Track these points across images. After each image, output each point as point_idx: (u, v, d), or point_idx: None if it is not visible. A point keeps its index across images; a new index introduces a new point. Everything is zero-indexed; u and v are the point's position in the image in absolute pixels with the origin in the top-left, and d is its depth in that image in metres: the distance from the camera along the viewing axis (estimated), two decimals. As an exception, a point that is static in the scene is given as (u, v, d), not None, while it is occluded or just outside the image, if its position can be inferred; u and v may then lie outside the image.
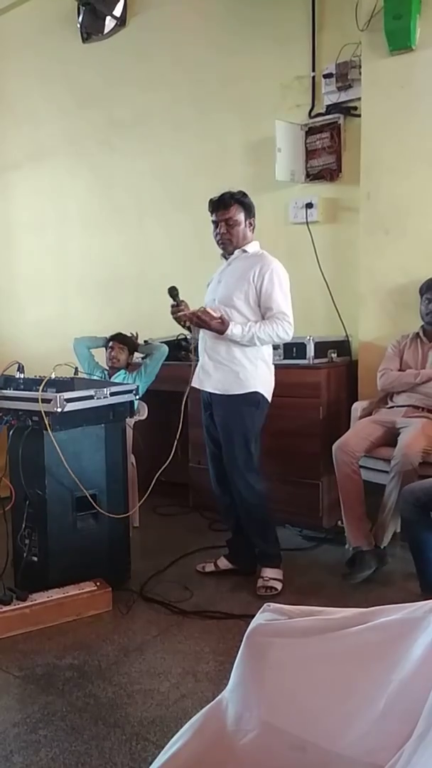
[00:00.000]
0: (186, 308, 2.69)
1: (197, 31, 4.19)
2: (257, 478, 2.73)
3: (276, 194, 3.84)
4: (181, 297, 2.71)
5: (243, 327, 2.61)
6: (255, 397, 2.69)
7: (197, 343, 2.86)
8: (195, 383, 2.78)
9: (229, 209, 2.69)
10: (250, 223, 2.75)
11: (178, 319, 2.71)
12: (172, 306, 2.70)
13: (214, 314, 2.60)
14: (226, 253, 2.80)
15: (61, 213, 5.14)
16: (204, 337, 2.77)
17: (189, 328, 2.81)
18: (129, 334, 3.79)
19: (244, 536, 2.88)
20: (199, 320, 2.61)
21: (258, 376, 2.70)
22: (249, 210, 2.74)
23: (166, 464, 2.78)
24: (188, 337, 3.84)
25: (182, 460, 3.63)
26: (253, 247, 2.77)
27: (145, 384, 3.53)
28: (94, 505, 2.62)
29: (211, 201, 2.73)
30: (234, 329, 2.59)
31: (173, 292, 2.71)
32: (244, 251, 2.75)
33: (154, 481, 2.82)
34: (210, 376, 2.72)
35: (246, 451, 2.69)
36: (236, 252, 2.76)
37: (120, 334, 3.75)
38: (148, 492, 2.87)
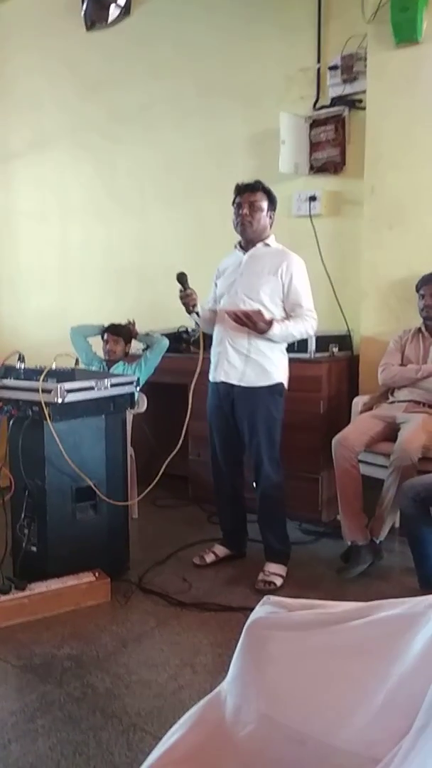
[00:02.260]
0: (194, 294, 2.71)
1: (202, 21, 4.16)
2: (278, 469, 2.77)
3: (279, 186, 3.73)
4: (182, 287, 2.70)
5: (281, 326, 2.61)
6: (279, 388, 2.74)
7: (206, 334, 2.82)
8: (219, 376, 2.74)
9: (255, 193, 2.71)
10: (271, 216, 2.77)
11: (186, 305, 2.72)
12: (181, 291, 2.71)
13: (266, 316, 2.59)
14: (244, 240, 2.78)
15: (64, 202, 5.12)
16: (224, 329, 2.74)
17: (197, 313, 2.78)
18: (126, 322, 3.75)
19: (237, 520, 2.96)
20: (248, 319, 2.57)
21: (280, 366, 2.75)
22: (273, 202, 2.76)
23: (171, 456, 2.76)
24: (191, 327, 3.82)
25: (182, 452, 3.63)
26: (273, 241, 2.79)
27: (144, 376, 3.51)
28: (98, 492, 2.62)
29: (238, 185, 2.75)
30: (275, 329, 2.59)
31: (182, 278, 2.72)
32: (267, 245, 2.76)
33: (159, 473, 2.79)
34: (236, 368, 2.70)
35: (271, 440, 2.73)
36: (259, 245, 2.75)
37: (113, 325, 3.70)
38: (153, 484, 2.84)
